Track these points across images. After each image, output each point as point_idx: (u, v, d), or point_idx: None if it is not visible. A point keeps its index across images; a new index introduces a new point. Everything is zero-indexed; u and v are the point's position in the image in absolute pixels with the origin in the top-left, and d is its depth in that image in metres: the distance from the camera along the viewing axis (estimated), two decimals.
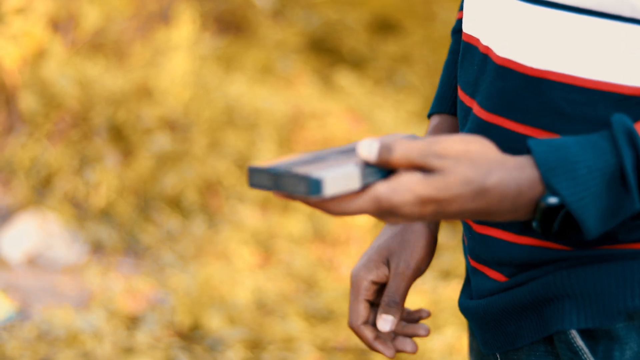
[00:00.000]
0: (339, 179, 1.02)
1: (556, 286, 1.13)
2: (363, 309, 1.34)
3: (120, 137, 4.14)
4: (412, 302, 3.45)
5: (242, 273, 3.63)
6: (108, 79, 4.20)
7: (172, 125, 4.22)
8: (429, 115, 1.41)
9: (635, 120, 1.07)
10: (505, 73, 1.13)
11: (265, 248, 3.89)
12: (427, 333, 1.38)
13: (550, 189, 1.03)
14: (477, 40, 1.20)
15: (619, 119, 1.04)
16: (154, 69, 4.35)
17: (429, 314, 1.41)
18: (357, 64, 5.59)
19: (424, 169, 1.03)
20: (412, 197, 1.02)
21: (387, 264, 1.35)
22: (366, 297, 1.34)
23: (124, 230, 3.91)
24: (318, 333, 3.32)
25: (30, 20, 4.20)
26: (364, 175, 1.03)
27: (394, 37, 5.84)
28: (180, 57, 4.43)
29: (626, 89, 1.07)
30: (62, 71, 4.14)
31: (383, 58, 5.66)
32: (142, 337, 3.22)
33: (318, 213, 4.10)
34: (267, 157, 4.27)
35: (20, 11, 4.21)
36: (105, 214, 3.94)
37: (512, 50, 1.12)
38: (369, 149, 1.04)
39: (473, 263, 1.24)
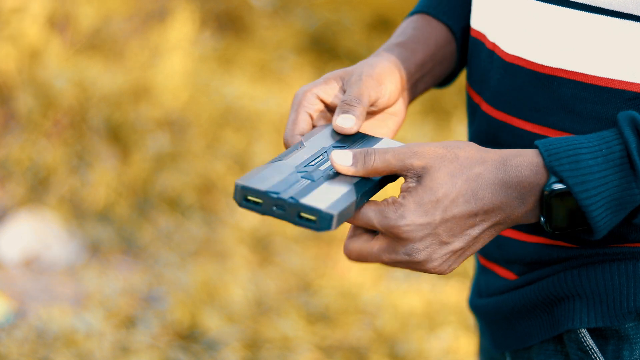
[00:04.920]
0: (344, 213, 1.00)
1: (566, 285, 1.13)
2: (304, 120, 1.14)
3: (118, 137, 4.13)
4: (409, 302, 3.45)
5: (240, 272, 3.63)
6: (106, 78, 4.19)
7: (170, 125, 4.22)
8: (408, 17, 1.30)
9: None
10: (514, 70, 1.13)
11: (263, 247, 3.89)
12: None
13: (552, 173, 1.02)
14: (484, 36, 1.19)
15: (625, 112, 1.04)
16: (152, 69, 4.35)
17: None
18: (355, 63, 5.59)
19: (405, 174, 1.02)
20: (413, 215, 1.01)
21: (340, 83, 1.16)
22: (308, 110, 1.14)
23: (122, 229, 3.90)
24: (316, 332, 3.32)
25: (27, 20, 4.20)
26: (358, 199, 1.02)
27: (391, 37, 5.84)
28: (178, 57, 4.43)
29: (637, 87, 1.07)
30: (60, 71, 4.13)
31: None
32: (140, 336, 3.22)
33: None
34: (266, 157, 4.27)
35: (16, 11, 4.20)
36: (103, 214, 3.93)
37: (521, 47, 1.12)
38: (343, 159, 1.02)
39: (483, 261, 1.24)
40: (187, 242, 3.87)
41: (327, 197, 1.00)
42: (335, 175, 1.04)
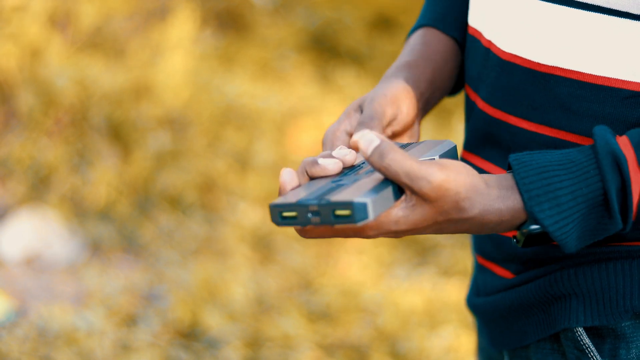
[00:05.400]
0: (379, 200, 0.98)
1: (563, 284, 1.13)
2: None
3: (119, 135, 4.13)
4: (410, 300, 3.45)
5: (241, 270, 3.63)
6: (107, 77, 4.19)
7: (171, 123, 4.22)
8: (411, 33, 1.33)
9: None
10: (510, 68, 1.12)
11: (265, 245, 3.89)
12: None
13: (533, 219, 1.02)
14: (480, 33, 1.19)
15: (603, 136, 1.02)
16: (153, 67, 4.35)
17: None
18: (356, 62, 5.59)
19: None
20: (386, 232, 1.02)
21: (360, 111, 1.20)
22: (338, 145, 1.18)
23: (123, 228, 3.90)
24: (317, 330, 3.32)
25: (28, 19, 4.20)
26: (395, 192, 1.01)
27: (392, 36, 5.84)
28: (179, 55, 4.43)
29: (634, 86, 1.07)
30: (61, 69, 4.13)
31: (381, 56, 5.66)
32: (141, 335, 3.22)
33: None
34: (267, 155, 4.27)
35: (18, 9, 4.20)
36: (104, 212, 3.94)
37: (518, 45, 1.12)
38: (367, 144, 1.01)
39: (480, 260, 1.24)
40: (188, 241, 3.87)
41: (359, 190, 1.00)
42: (372, 172, 1.04)
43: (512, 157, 1.03)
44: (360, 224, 0.97)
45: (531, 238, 1.03)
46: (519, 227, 1.03)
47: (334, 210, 0.98)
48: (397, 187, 1.01)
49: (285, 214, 1.00)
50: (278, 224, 1.01)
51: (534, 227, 1.02)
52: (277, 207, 1.01)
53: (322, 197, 0.99)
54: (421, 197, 1.00)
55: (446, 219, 1.01)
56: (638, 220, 1.03)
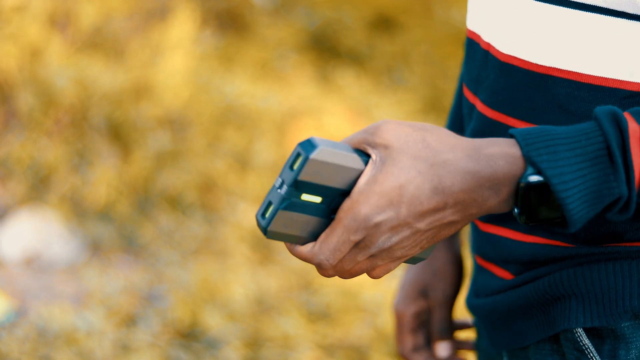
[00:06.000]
0: (326, 141, 0.99)
1: (562, 284, 1.12)
2: (409, 339, 1.47)
3: (119, 135, 4.13)
4: None
5: (241, 270, 3.63)
6: (107, 77, 4.19)
7: (171, 124, 4.22)
8: None
9: None
10: (509, 70, 1.12)
11: (264, 245, 3.89)
12: (472, 347, 1.47)
13: (530, 163, 0.99)
14: (479, 36, 1.19)
15: (602, 106, 1.02)
16: (153, 67, 4.35)
17: (471, 325, 1.48)
18: (356, 62, 5.59)
19: (369, 151, 1.00)
20: (376, 198, 0.99)
21: (424, 295, 1.46)
22: (410, 328, 1.46)
23: (123, 228, 3.90)
24: (317, 330, 3.32)
25: (28, 19, 4.20)
26: (355, 150, 1.01)
27: (392, 36, 5.84)
28: (179, 55, 4.43)
29: (632, 86, 1.06)
30: (61, 69, 4.13)
31: (382, 56, 5.67)
32: (140, 335, 3.22)
33: None
34: (267, 155, 4.27)
35: (17, 9, 4.20)
36: (104, 212, 3.93)
37: (516, 47, 1.11)
38: None
39: (480, 261, 1.24)
40: (188, 241, 3.87)
41: None
42: None
43: (511, 130, 1.02)
44: (312, 155, 0.96)
45: (532, 210, 1.01)
46: (517, 182, 1.00)
47: (290, 166, 0.99)
48: (356, 150, 1.01)
49: (265, 212, 1.01)
50: (267, 228, 1.01)
51: (533, 178, 0.99)
52: (258, 213, 1.02)
53: None
54: (382, 145, 0.99)
55: (428, 166, 0.98)
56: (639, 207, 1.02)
